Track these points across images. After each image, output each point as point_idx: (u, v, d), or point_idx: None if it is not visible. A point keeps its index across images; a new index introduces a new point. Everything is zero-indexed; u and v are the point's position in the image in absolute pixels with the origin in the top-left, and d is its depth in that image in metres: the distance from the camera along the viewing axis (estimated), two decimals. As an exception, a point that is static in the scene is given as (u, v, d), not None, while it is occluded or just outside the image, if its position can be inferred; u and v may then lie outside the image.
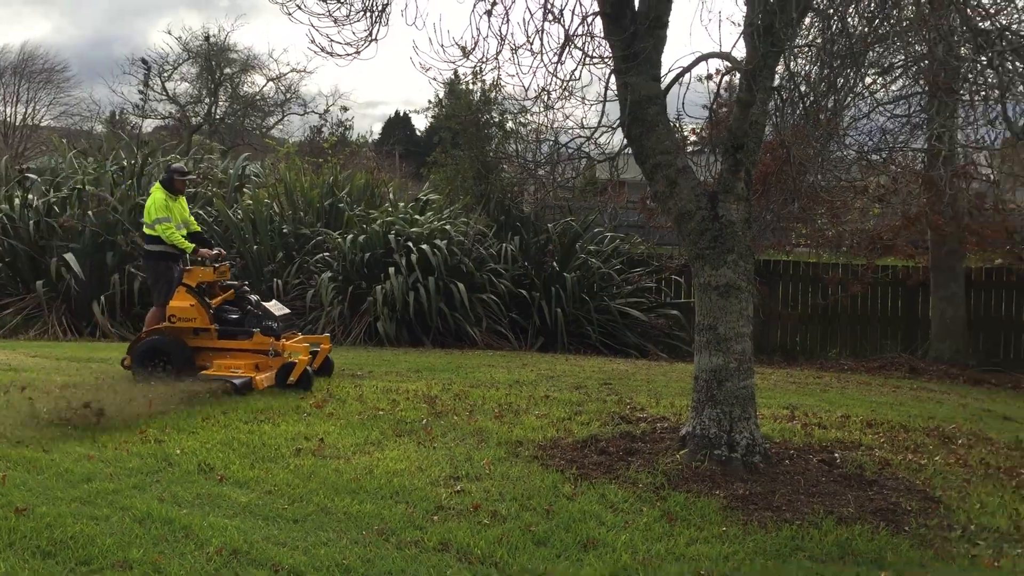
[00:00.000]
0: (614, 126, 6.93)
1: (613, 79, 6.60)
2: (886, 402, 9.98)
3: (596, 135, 7.15)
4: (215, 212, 15.42)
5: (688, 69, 6.69)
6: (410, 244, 13.79)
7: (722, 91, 8.79)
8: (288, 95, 37.90)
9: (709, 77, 8.40)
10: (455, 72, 20.22)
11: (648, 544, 4.88)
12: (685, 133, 12.12)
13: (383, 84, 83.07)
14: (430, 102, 25.94)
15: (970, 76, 6.28)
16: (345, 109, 40.42)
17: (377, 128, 54.28)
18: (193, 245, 9.15)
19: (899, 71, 9.70)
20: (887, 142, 13.57)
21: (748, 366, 6.38)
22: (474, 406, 8.05)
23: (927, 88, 11.60)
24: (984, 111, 8.28)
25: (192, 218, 9.75)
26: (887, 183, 14.40)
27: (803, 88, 7.28)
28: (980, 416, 9.64)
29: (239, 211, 15.55)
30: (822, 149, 9.10)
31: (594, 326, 14.21)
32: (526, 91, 6.82)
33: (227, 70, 37.67)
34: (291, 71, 36.51)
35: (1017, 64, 5.24)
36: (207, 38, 36.90)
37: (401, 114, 47.89)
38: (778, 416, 8.23)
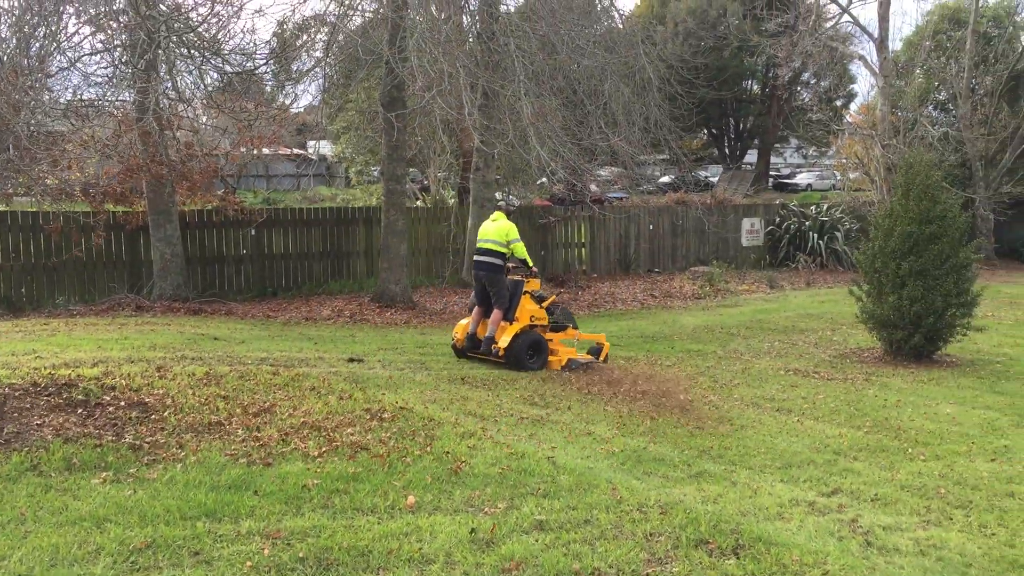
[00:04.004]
0: None
1: None
2: (112, 338, 10.82)
3: None
4: None
5: None
6: None
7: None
8: None
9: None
10: None
11: None
12: None
13: None
14: None
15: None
16: None
17: None
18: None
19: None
20: (97, 93, 14.18)
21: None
22: None
23: (124, 42, 12.50)
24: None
25: None
26: (105, 132, 14.93)
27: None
28: (195, 339, 11.12)
29: None
30: (27, 99, 9.40)
31: None
32: None
33: None
34: None
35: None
36: None
37: None
38: (6, 364, 8.46)
